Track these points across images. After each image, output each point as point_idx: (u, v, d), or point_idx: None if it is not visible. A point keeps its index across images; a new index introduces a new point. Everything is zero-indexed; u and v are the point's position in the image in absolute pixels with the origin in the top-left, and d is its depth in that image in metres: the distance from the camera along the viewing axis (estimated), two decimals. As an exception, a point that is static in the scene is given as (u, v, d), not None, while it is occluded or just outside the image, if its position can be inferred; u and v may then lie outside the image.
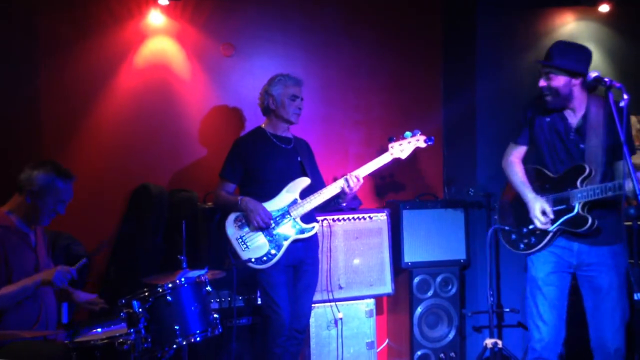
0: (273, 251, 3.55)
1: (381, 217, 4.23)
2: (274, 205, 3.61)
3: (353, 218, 4.16)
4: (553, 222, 3.23)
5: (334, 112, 4.67)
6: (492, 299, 4.08)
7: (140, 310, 2.78)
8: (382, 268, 4.20)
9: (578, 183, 3.17)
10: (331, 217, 4.09)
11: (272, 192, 3.63)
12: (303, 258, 3.69)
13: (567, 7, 4.67)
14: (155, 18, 4.16)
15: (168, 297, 2.86)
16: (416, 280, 4.21)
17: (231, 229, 3.58)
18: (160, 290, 2.87)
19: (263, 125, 3.80)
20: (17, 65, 3.89)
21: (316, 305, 3.98)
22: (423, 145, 3.80)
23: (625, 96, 2.78)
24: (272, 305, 3.57)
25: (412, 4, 4.83)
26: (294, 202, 3.63)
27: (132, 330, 2.74)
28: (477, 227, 4.36)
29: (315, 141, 4.19)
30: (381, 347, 4.51)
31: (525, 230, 3.36)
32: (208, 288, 3.05)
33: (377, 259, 4.19)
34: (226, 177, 3.70)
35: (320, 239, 3.92)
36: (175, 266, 3.12)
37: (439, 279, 4.24)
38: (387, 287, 4.21)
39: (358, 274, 4.15)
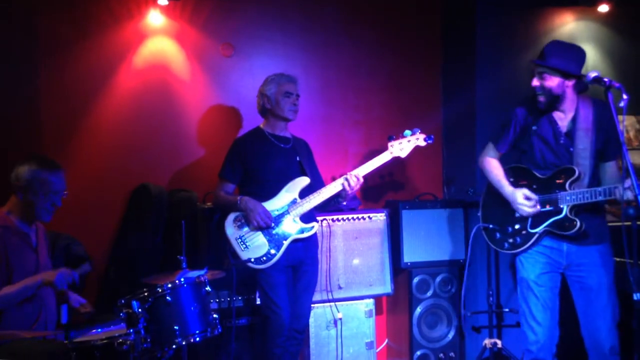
0: (272, 251, 3.55)
1: (380, 217, 4.23)
2: (273, 205, 3.61)
3: (352, 218, 4.16)
4: (540, 223, 3.23)
5: (334, 112, 4.67)
6: (491, 298, 4.09)
7: (140, 310, 2.78)
8: (381, 268, 4.20)
9: (567, 185, 3.16)
10: (330, 217, 4.09)
11: (272, 192, 3.63)
12: (302, 258, 3.69)
13: (566, 7, 4.67)
14: (155, 18, 4.16)
15: (167, 297, 2.86)
16: (415, 280, 4.21)
17: (230, 229, 3.58)
18: (160, 290, 2.87)
19: (261, 126, 3.80)
20: (17, 65, 3.90)
21: (315, 305, 3.99)
22: (423, 143, 3.80)
23: (624, 96, 2.78)
24: (271, 305, 3.57)
25: (412, 4, 4.83)
26: (293, 201, 3.64)
27: (131, 330, 2.74)
28: (477, 227, 4.36)
29: (315, 141, 4.20)
30: (381, 347, 4.51)
31: (510, 229, 3.35)
32: (207, 288, 3.05)
33: (376, 259, 4.19)
34: (225, 177, 3.70)
35: (319, 239, 3.92)
36: (175, 266, 3.12)
37: (438, 279, 4.24)
38: (386, 287, 4.21)
39: (357, 274, 4.15)
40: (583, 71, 3.20)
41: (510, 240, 3.35)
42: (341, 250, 4.12)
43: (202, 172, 4.22)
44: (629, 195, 2.86)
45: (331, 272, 4.06)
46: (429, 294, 4.24)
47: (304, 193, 3.66)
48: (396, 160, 3.78)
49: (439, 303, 4.24)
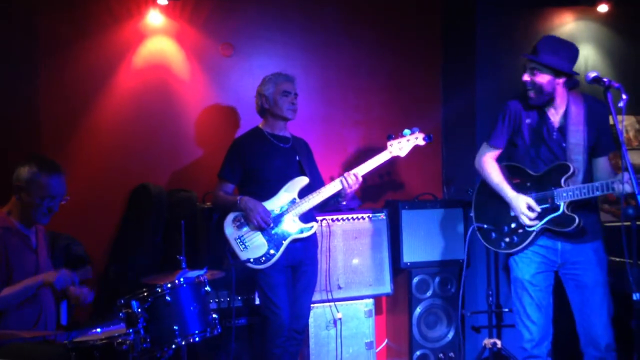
0: (272, 251, 3.55)
1: (380, 217, 4.23)
2: (272, 205, 3.61)
3: (352, 218, 4.16)
4: (538, 220, 3.21)
5: (334, 112, 4.67)
6: (491, 298, 4.09)
7: (139, 310, 2.77)
8: (381, 268, 4.20)
9: (562, 182, 3.15)
10: (330, 217, 4.09)
11: (271, 192, 3.63)
12: (302, 258, 3.69)
13: (566, 7, 4.68)
14: (155, 18, 4.16)
15: (167, 297, 2.85)
16: (415, 280, 4.21)
17: (230, 229, 3.58)
18: (160, 290, 2.86)
19: (261, 126, 3.79)
20: (17, 65, 3.90)
21: (315, 305, 3.99)
22: (422, 143, 3.79)
23: (623, 96, 2.78)
24: (270, 306, 3.57)
25: (412, 4, 4.83)
26: (293, 201, 3.63)
27: (131, 330, 2.74)
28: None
29: (314, 141, 4.19)
30: (380, 347, 4.51)
31: (506, 229, 3.33)
32: (207, 288, 3.05)
33: (376, 259, 4.19)
34: (225, 177, 3.70)
35: (319, 238, 3.92)
36: (175, 266, 3.12)
37: (438, 279, 4.24)
38: (386, 287, 4.21)
39: (357, 274, 4.15)
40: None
41: (507, 240, 3.32)
42: (341, 250, 4.12)
43: (202, 172, 4.22)
44: (627, 188, 2.86)
45: (331, 272, 4.06)
46: (429, 293, 4.23)
47: (303, 193, 3.66)
48: (395, 159, 3.78)
49: (439, 303, 4.24)
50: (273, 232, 3.58)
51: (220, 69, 4.36)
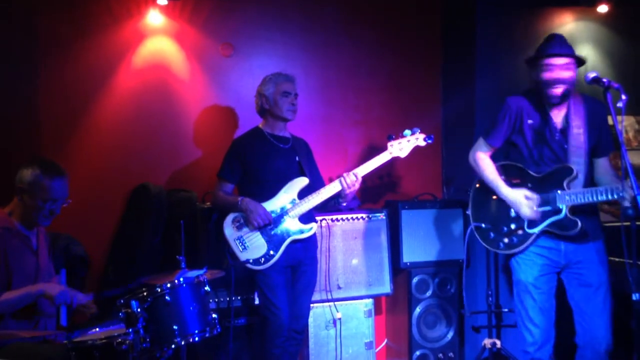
0: (271, 252, 3.55)
1: (380, 217, 4.23)
2: (272, 206, 3.61)
3: (352, 218, 4.16)
4: (538, 223, 3.18)
5: (334, 112, 4.67)
6: (491, 298, 4.09)
7: (139, 310, 2.78)
8: (380, 268, 4.20)
9: (565, 184, 3.13)
10: (330, 217, 4.09)
11: (271, 192, 3.62)
12: (301, 258, 3.69)
13: (566, 7, 4.68)
14: (155, 18, 4.17)
15: (167, 297, 2.86)
16: (415, 280, 4.21)
17: (229, 230, 3.58)
18: (159, 290, 2.86)
19: (260, 126, 3.79)
20: (17, 65, 3.90)
21: (315, 305, 3.99)
22: (422, 143, 3.79)
23: (623, 97, 2.78)
24: (270, 306, 3.57)
25: (412, 4, 4.83)
26: (293, 202, 3.63)
27: (130, 330, 2.74)
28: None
29: (314, 141, 4.19)
30: (380, 347, 4.51)
31: (505, 229, 3.29)
32: (207, 288, 3.05)
33: (375, 259, 4.19)
34: (224, 177, 3.70)
35: (319, 239, 3.92)
36: (174, 266, 3.12)
37: (437, 279, 4.24)
38: (385, 287, 4.21)
39: (357, 274, 4.15)
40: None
41: (506, 240, 3.28)
42: (340, 250, 4.12)
43: (202, 172, 4.22)
44: (630, 193, 2.85)
45: (330, 272, 4.06)
46: (428, 294, 4.23)
47: (303, 193, 3.66)
48: (396, 160, 3.78)
49: (438, 303, 4.24)
50: (272, 232, 3.57)
51: (220, 69, 4.36)
